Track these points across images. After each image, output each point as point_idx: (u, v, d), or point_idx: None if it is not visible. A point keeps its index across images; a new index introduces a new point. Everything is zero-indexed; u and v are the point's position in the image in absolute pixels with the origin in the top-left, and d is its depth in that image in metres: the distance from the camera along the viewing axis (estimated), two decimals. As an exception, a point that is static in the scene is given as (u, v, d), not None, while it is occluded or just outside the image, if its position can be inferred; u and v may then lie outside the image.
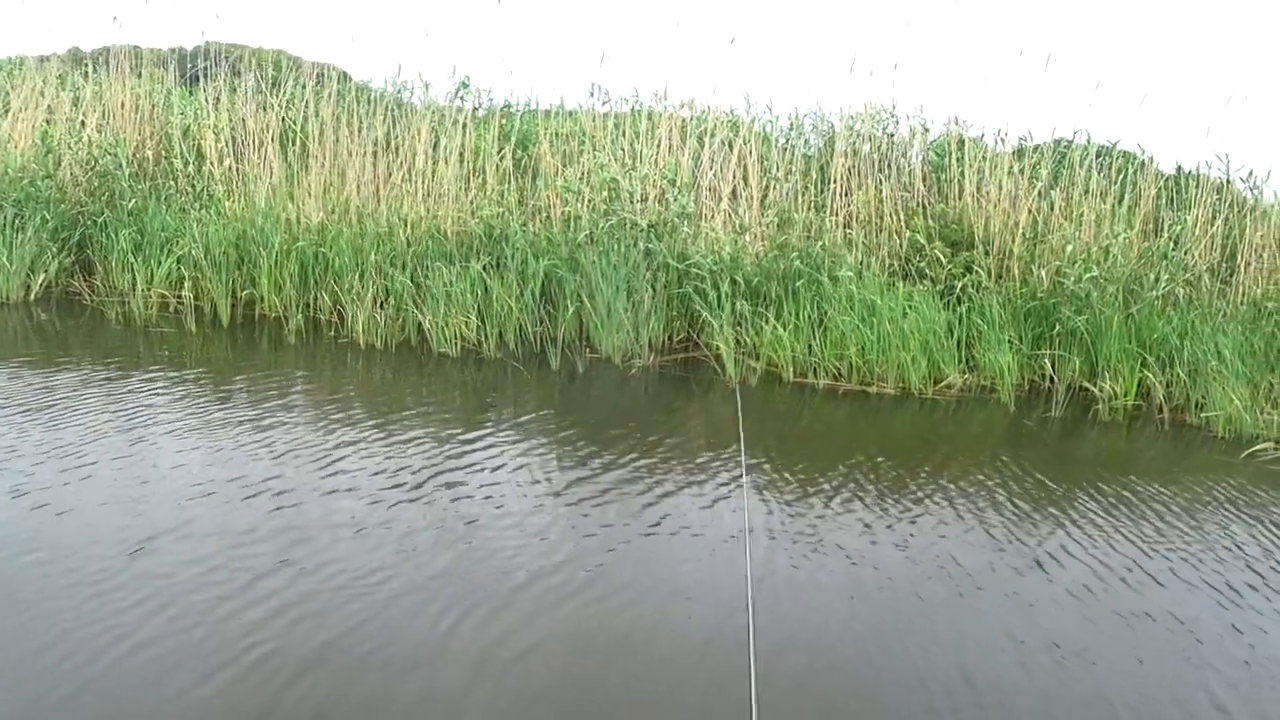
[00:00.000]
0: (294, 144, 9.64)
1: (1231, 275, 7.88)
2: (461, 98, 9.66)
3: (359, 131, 9.34)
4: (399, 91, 10.06)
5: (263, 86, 10.17)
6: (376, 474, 4.30)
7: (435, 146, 9.09)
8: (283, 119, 9.80)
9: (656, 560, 3.63)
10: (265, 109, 9.78)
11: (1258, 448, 6.24)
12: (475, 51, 10.81)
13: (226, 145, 9.61)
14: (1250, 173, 8.36)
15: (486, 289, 7.15)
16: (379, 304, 7.27)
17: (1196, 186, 8.10)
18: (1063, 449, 5.93)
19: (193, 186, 9.31)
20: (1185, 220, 7.72)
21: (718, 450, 4.99)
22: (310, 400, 5.54)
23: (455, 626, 2.96)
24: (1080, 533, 4.31)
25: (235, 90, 10.17)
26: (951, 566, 3.78)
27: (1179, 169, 8.44)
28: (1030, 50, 8.24)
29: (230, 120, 9.87)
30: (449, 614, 3.02)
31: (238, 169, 9.51)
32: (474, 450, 4.75)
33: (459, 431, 5.04)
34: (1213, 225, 7.94)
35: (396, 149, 9.25)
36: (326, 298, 7.67)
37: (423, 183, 8.79)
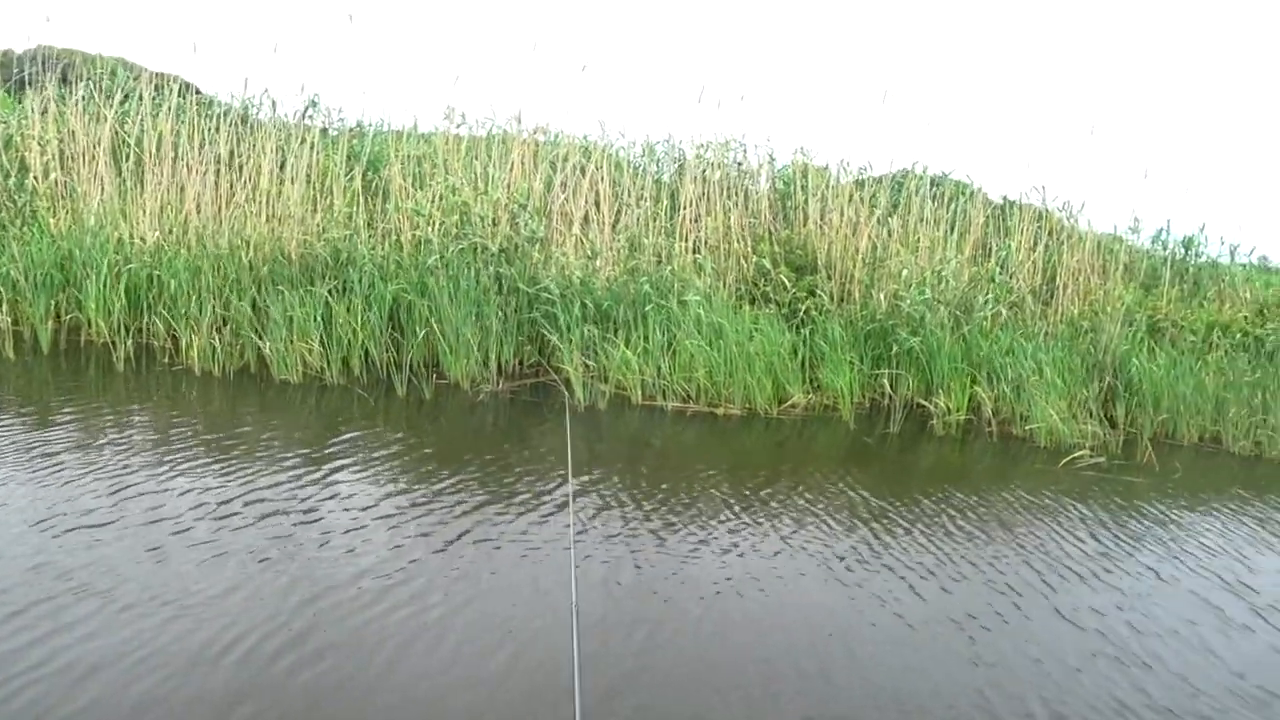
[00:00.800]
0: (128, 158, 9.03)
1: (1051, 297, 8.51)
2: (310, 116, 9.33)
3: (200, 147, 8.84)
4: (245, 107, 9.60)
5: (96, 96, 9.49)
6: (199, 506, 3.99)
7: (282, 166, 8.71)
8: (116, 131, 9.16)
9: (484, 583, 3.50)
10: (98, 120, 9.11)
11: (1075, 455, 6.71)
12: (326, 69, 10.48)
13: (53, 158, 8.90)
14: (1066, 203, 9.10)
15: (331, 314, 6.87)
16: (217, 329, 6.85)
17: (1019, 215, 8.72)
18: (900, 463, 6.18)
19: (14, 202, 8.55)
20: (1009, 246, 8.28)
21: (557, 474, 4.92)
22: (139, 431, 5.12)
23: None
24: (909, 540, 4.48)
25: (65, 99, 9.44)
26: (785, 578, 3.84)
27: (1005, 199, 9.08)
28: (869, 85, 8.71)
29: (59, 131, 9.15)
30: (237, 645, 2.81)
31: (65, 184, 8.81)
32: (310, 480, 4.48)
33: (295, 462, 4.75)
34: (1034, 251, 8.56)
35: (241, 167, 8.81)
36: (160, 323, 7.17)
37: (267, 203, 8.39)
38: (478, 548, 3.87)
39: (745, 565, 3.99)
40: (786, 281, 7.30)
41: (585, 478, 4.94)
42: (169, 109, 9.04)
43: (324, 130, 9.44)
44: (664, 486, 4.93)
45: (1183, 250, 10.56)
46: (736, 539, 4.28)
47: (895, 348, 7.15)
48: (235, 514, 3.96)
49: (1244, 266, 11.08)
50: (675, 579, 3.76)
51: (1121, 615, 3.94)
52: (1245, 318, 9.63)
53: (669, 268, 7.07)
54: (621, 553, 3.97)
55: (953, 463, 6.38)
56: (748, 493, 4.98)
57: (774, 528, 4.49)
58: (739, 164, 8.30)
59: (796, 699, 2.95)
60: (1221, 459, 7.75)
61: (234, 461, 4.65)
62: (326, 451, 5.01)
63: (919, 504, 5.14)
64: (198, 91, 10.77)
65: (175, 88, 9.87)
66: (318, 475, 4.59)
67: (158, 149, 8.84)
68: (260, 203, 8.40)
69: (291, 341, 6.68)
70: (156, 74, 10.91)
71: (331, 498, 4.29)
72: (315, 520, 3.98)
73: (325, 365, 6.71)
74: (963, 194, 8.61)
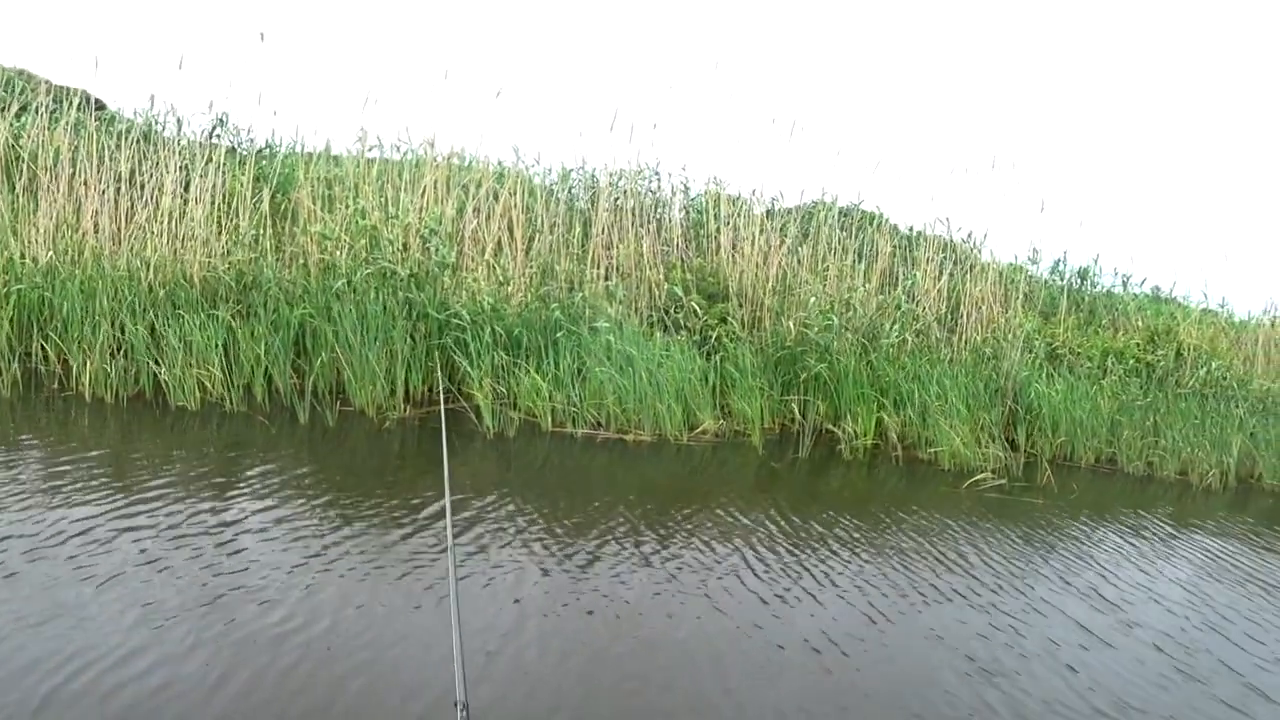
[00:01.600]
0: (20, 174, 8.63)
1: (956, 324, 8.82)
2: (218, 135, 9.07)
3: (100, 164, 8.51)
4: (149, 124, 9.28)
5: (-15, 107, 9.06)
6: (82, 533, 3.78)
7: (186, 186, 8.43)
8: (10, 145, 8.75)
9: (363, 604, 3.40)
10: (-10, 133, 8.68)
11: (978, 478, 6.93)
12: (235, 88, 10.16)
13: (-63, 174, 8.45)
14: (969, 234, 9.48)
15: (234, 338, 6.66)
16: (111, 354, 6.55)
17: (925, 245, 9.04)
18: (806, 487, 6.27)
19: (-111, 219, 8.05)
20: (915, 275, 8.57)
21: (452, 500, 4.84)
22: (23, 460, 4.83)
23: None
24: (796, 563, 4.54)
25: (-51, 110, 8.98)
26: (688, 604, 3.84)
27: (911, 229, 9.41)
28: (781, 117, 8.94)
29: (-56, 144, 8.69)
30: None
31: (-52, 201, 8.35)
32: (201, 510, 4.30)
33: (185, 491, 4.55)
34: (940, 280, 8.87)
35: (142, 186, 8.50)
36: (49, 348, 6.82)
37: (170, 224, 8.10)
38: (359, 572, 3.77)
39: (630, 590, 3.98)
40: (698, 309, 7.39)
41: (481, 503, 4.87)
42: (67, 123, 8.69)
43: (232, 149, 9.19)
44: (562, 511, 4.89)
45: (1079, 280, 11.11)
46: (625, 564, 4.27)
47: (804, 374, 7.29)
48: (119, 541, 3.76)
49: (1135, 296, 11.71)
50: (556, 603, 3.72)
51: (995, 634, 4.06)
52: (1137, 344, 10.16)
53: (580, 294, 7.07)
54: (506, 575, 3.92)
55: (858, 487, 6.51)
56: (648, 518, 4.97)
57: (669, 553, 4.49)
58: (653, 191, 8.40)
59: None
60: (1116, 479, 8.12)
61: (121, 489, 4.44)
62: (220, 479, 4.81)
63: (817, 528, 5.21)
64: (101, 106, 10.40)
65: (76, 101, 9.51)
66: (211, 503, 4.41)
67: (54, 165, 8.48)
68: (163, 223, 8.11)
69: (190, 367, 6.44)
70: (58, 86, 10.49)
71: (223, 523, 4.13)
72: (203, 544, 3.81)
73: (226, 391, 6.48)
74: (871, 224, 8.89)
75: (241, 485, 4.79)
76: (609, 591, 3.95)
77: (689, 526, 4.93)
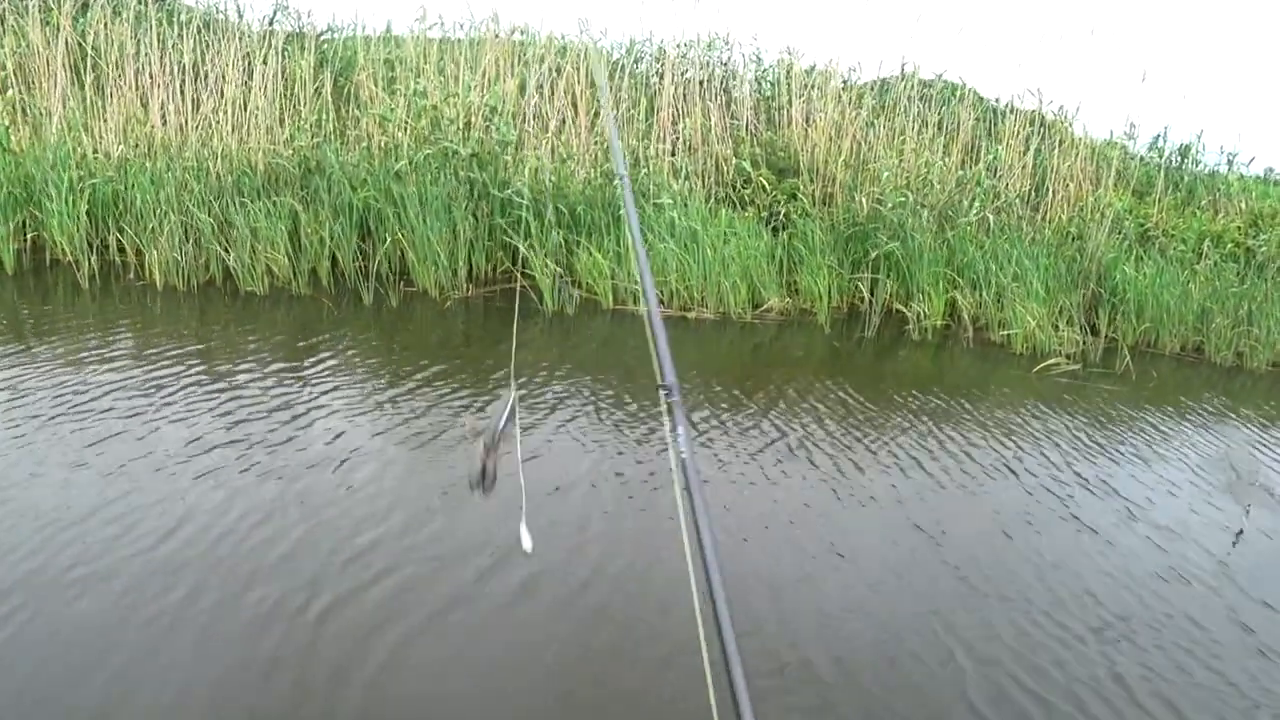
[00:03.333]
0: (89, 71, 8.72)
1: (1040, 203, 8.31)
2: (278, 21, 8.95)
3: (164, 57, 8.53)
4: (209, 13, 9.22)
5: (53, 5, 9.11)
6: (179, 420, 3.93)
7: (249, 74, 8.41)
8: (78, 43, 8.83)
9: (428, 475, 3.47)
10: (57, 30, 8.77)
11: (1050, 363, 6.64)
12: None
13: (12, 74, 8.59)
14: (1061, 106, 8.82)
15: (299, 224, 6.72)
16: (181, 243, 6.70)
17: (1012, 118, 8.45)
18: (874, 367, 6.11)
19: (-29, 121, 8.28)
20: (998, 150, 8.05)
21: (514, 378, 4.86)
22: (107, 349, 5.02)
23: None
24: (883, 446, 4.44)
25: (22, 10, 9.06)
26: (763, 484, 3.81)
27: (997, 101, 8.79)
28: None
29: (16, 45, 8.82)
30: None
31: (24, 100, 8.52)
32: (272, 390, 4.42)
33: (256, 373, 4.67)
34: (1025, 155, 8.32)
35: (206, 76, 8.51)
36: (124, 239, 7.02)
37: (234, 113, 8.14)
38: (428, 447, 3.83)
39: (739, 469, 3.95)
40: (766, 184, 7.11)
41: (539, 381, 4.86)
42: (128, 17, 8.69)
43: (293, 34, 9.08)
44: (614, 389, 4.86)
45: (1179, 158, 10.30)
46: (723, 447, 4.23)
47: (875, 252, 7.01)
48: (209, 430, 3.88)
49: (1241, 177, 10.83)
50: (616, 476, 3.73)
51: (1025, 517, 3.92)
52: (1238, 228, 9.46)
53: (644, 170, 6.86)
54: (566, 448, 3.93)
55: (926, 368, 6.30)
56: (705, 396, 4.91)
57: (728, 430, 4.43)
58: (723, 63, 8.00)
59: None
60: (1202, 369, 7.68)
61: (200, 375, 4.57)
62: (292, 362, 4.92)
63: (881, 409, 5.08)
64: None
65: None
66: (285, 384, 4.52)
67: (119, 61, 8.53)
68: (227, 113, 8.15)
69: (257, 252, 6.55)
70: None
71: (300, 403, 4.24)
72: (283, 425, 3.92)
73: (293, 276, 6.58)
74: (953, 95, 8.34)
75: (311, 365, 4.89)
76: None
77: (750, 407, 4.83)
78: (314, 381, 4.56)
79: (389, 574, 2.76)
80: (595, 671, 2.42)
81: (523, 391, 4.61)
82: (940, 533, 3.49)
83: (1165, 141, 10.17)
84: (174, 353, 4.84)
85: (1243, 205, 10.10)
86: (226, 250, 6.60)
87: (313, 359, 4.94)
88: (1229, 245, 9.10)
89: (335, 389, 4.46)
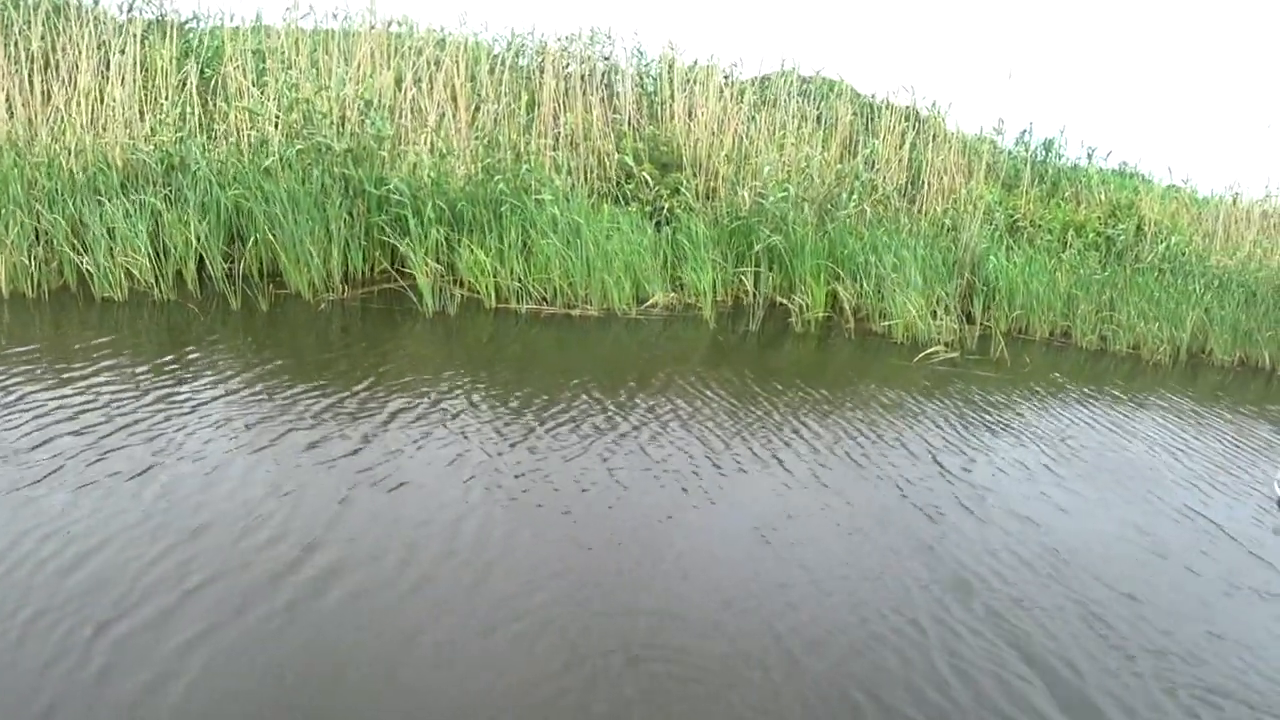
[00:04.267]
0: (-77, 58, 8.00)
1: (916, 195, 8.64)
2: (138, 9, 8.40)
3: (7, 44, 7.91)
4: (59, -2, 8.58)
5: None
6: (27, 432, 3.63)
7: (105, 64, 7.89)
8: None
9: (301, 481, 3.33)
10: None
11: (929, 351, 6.91)
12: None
13: None
14: (934, 103, 9.17)
15: (160, 224, 6.35)
16: (31, 246, 6.23)
17: (888, 113, 8.74)
18: (759, 360, 6.19)
19: None
20: (875, 144, 8.31)
21: (386, 381, 4.72)
22: None
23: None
24: (760, 436, 4.51)
25: None
26: (602, 479, 3.80)
27: (873, 96, 9.07)
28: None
29: None
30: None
31: None
32: (132, 401, 4.14)
33: (115, 384, 4.37)
34: (901, 149, 8.62)
35: (58, 66, 7.94)
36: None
37: (89, 106, 7.62)
38: (303, 454, 3.68)
39: (575, 467, 3.93)
40: (650, 179, 7.13)
41: (420, 384, 4.75)
42: (-32, 0, 8.02)
43: (156, 22, 8.55)
44: (503, 389, 4.80)
45: (1043, 152, 10.88)
46: (566, 440, 4.20)
47: (758, 245, 7.13)
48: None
49: (1100, 170, 11.53)
50: (498, 485, 3.67)
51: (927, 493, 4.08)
52: (1098, 218, 10.07)
53: (525, 165, 6.77)
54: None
55: (809, 360, 6.46)
56: (592, 394, 4.89)
57: (615, 431, 4.42)
58: (605, 58, 7.97)
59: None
60: (1069, 353, 8.14)
61: (50, 386, 4.26)
62: (154, 371, 4.64)
63: (765, 401, 5.17)
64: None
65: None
66: (146, 394, 4.26)
67: (-44, 45, 7.87)
68: (81, 105, 7.63)
69: (115, 255, 6.15)
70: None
71: (163, 413, 4.00)
72: (141, 437, 3.69)
73: (155, 280, 6.21)
74: (831, 91, 8.55)
75: (176, 373, 4.63)
76: (555, 470, 3.90)
77: (636, 403, 4.84)
78: (178, 390, 4.31)
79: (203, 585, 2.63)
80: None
81: (415, 391, 4.48)
82: (788, 526, 3.57)
83: (1030, 136, 10.74)
84: (23, 365, 4.49)
85: (1102, 197, 10.75)
86: (80, 253, 6.17)
87: (176, 367, 4.68)
88: (1091, 235, 9.69)
89: (201, 398, 4.24)
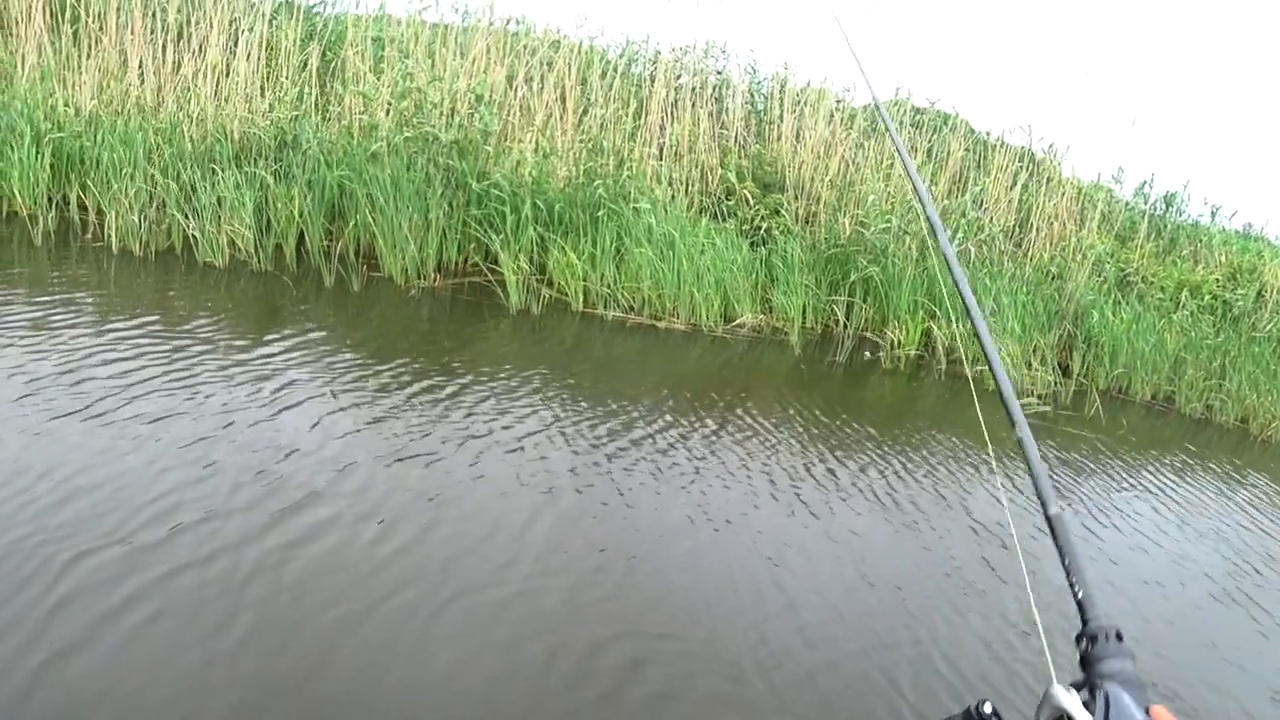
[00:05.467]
0: (69, 22, 8.45)
1: (1024, 239, 8.28)
2: (270, -14, 8.70)
3: (148, 14, 8.28)
4: (200, -27, 8.96)
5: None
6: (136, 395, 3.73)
7: (234, 40, 8.19)
8: (60, -11, 8.54)
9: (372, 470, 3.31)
10: (39, -23, 8.48)
11: (1022, 402, 6.57)
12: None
13: (-15, 17, 8.31)
14: (1051, 145, 8.80)
15: (267, 198, 6.53)
16: (144, 207, 6.48)
17: (1001, 152, 8.41)
18: (841, 394, 5.99)
19: (-60, 64, 8.00)
20: (985, 183, 8.00)
21: (469, 377, 4.70)
22: (54, 310, 4.80)
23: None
24: (834, 478, 4.33)
25: (2, -47, 8.76)
26: (701, 504, 3.68)
27: (987, 134, 8.76)
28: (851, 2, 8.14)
29: (-5, -12, 8.53)
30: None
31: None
32: (225, 366, 4.22)
33: (209, 347, 4.47)
34: (1012, 190, 8.28)
35: (190, 39, 8.28)
36: (87, 198, 6.77)
37: (214, 78, 7.91)
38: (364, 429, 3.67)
39: (639, 484, 3.82)
40: (750, 197, 7.00)
41: (498, 381, 4.71)
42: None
43: (285, 3, 8.86)
44: (578, 397, 4.72)
45: (1163, 206, 10.33)
46: (635, 456, 4.09)
47: (854, 275, 6.92)
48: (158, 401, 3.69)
49: (1223, 230, 10.89)
50: (562, 495, 3.59)
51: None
52: (1216, 280, 9.50)
53: (626, 173, 6.72)
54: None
55: (893, 399, 6.22)
56: (668, 411, 4.77)
57: (658, 442, 4.29)
58: (718, 72, 7.87)
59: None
60: (1171, 419, 7.68)
61: (151, 344, 4.37)
62: (249, 339, 4.73)
63: (841, 437, 4.97)
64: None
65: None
66: (239, 362, 4.33)
67: (102, 13, 8.28)
68: (207, 77, 7.93)
69: (220, 223, 6.34)
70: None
71: (255, 381, 4.06)
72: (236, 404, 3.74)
73: (255, 250, 6.38)
74: (944, 124, 8.28)
75: (268, 344, 4.71)
76: (620, 482, 3.80)
77: (709, 425, 4.70)
78: (270, 361, 4.37)
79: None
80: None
81: (491, 386, 4.45)
82: (886, 576, 3.39)
83: (1151, 188, 10.21)
84: (127, 320, 4.64)
85: (1223, 258, 10.15)
86: (188, 218, 6.38)
87: (271, 337, 4.75)
88: (1206, 297, 9.14)
89: (291, 370, 4.29)
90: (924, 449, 5.02)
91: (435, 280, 6.44)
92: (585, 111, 7.38)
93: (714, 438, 4.46)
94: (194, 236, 6.27)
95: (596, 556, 3.07)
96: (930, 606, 3.21)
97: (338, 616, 2.47)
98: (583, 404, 4.55)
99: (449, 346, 5.20)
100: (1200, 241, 10.25)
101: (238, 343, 4.56)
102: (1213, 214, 10.95)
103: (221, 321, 4.91)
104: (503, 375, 4.77)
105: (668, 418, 4.59)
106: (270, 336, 4.77)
